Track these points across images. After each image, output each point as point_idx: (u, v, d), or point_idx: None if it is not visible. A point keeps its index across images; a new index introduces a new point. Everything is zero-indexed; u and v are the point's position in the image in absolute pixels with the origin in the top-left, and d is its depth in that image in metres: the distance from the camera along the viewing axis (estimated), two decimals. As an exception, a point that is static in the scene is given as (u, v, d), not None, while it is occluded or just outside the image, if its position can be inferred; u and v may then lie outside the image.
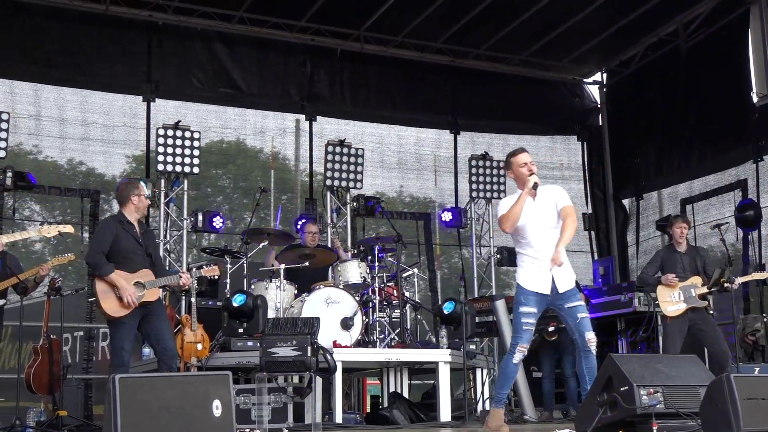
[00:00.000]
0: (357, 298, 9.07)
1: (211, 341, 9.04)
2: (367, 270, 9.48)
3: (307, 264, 9.57)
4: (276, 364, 7.72)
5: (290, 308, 9.10)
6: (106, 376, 10.64)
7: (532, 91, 14.52)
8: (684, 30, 13.14)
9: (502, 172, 13.37)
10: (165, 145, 11.32)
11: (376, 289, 9.37)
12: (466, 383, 9.20)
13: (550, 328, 9.51)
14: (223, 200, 15.35)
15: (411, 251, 12.54)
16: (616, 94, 14.80)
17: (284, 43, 13.11)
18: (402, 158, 14.03)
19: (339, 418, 8.39)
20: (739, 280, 9.26)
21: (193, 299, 8.96)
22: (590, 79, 15.07)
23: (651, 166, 13.94)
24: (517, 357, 6.56)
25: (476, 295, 12.71)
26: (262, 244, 10.10)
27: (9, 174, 10.75)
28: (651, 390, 5.49)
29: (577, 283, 6.98)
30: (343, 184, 12.47)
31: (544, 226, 6.64)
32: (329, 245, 11.97)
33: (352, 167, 12.47)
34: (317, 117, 13.30)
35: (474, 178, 13.31)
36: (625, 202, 14.56)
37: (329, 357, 7.94)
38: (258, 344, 8.13)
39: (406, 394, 9.89)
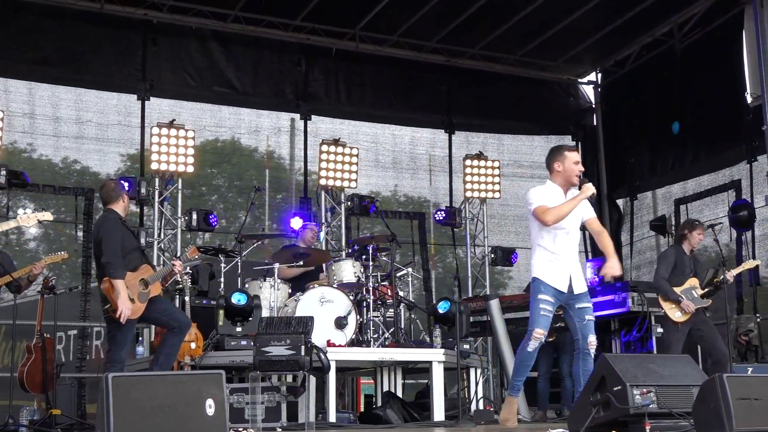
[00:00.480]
0: (351, 298, 9.06)
1: (205, 340, 9.04)
2: (362, 269, 9.48)
3: (301, 263, 9.57)
4: (270, 363, 7.70)
5: (284, 307, 9.09)
6: (100, 374, 10.68)
7: (527, 91, 14.53)
8: (679, 30, 13.16)
9: (497, 171, 13.40)
10: (159, 144, 11.31)
11: (371, 288, 9.36)
12: (459, 383, 9.20)
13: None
14: (218, 199, 15.37)
15: (405, 250, 12.55)
16: (611, 94, 14.82)
17: (279, 42, 13.10)
18: (397, 158, 14.04)
19: (333, 417, 8.38)
20: (733, 272, 9.28)
21: (187, 298, 8.96)
22: (585, 79, 15.09)
23: (645, 166, 13.95)
24: (533, 344, 6.55)
25: (470, 295, 12.72)
26: (256, 243, 10.10)
27: (3, 172, 10.73)
28: (644, 390, 5.50)
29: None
30: (338, 183, 12.47)
31: (569, 228, 6.71)
32: (324, 244, 12.01)
33: (346, 166, 12.47)
34: (312, 116, 13.30)
35: (469, 178, 13.31)
36: (620, 202, 14.57)
37: (323, 356, 7.94)
38: (252, 343, 8.13)
39: (399, 394, 9.89)
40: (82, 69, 12.06)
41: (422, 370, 10.03)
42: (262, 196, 12.38)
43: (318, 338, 8.15)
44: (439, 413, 8.78)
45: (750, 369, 9.55)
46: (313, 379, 8.18)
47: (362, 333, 9.15)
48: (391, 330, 9.45)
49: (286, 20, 12.80)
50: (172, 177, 11.53)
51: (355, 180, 12.54)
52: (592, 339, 6.57)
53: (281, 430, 7.82)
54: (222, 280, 9.47)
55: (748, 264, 9.76)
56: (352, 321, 8.92)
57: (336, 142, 12.49)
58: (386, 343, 9.27)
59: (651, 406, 5.48)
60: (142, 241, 10.38)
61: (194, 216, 11.59)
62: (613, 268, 6.80)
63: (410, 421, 8.85)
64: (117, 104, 12.29)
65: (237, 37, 12.88)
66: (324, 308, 8.84)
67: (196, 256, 8.28)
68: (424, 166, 14.22)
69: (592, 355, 6.58)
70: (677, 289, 8.95)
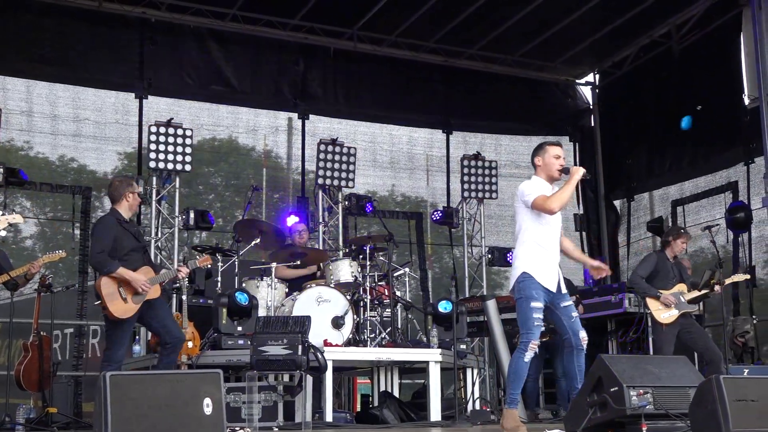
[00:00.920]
0: (348, 297, 9.07)
1: (202, 339, 9.04)
2: (359, 269, 9.49)
3: (298, 263, 9.57)
4: (267, 362, 7.72)
5: (281, 307, 9.10)
6: (96, 373, 10.67)
7: (525, 92, 14.53)
8: (677, 32, 13.17)
9: (494, 172, 13.41)
10: (157, 143, 11.28)
11: (368, 288, 9.37)
12: (456, 383, 9.20)
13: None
14: (215, 198, 15.32)
15: (402, 250, 12.55)
16: (609, 95, 14.82)
17: (277, 41, 13.09)
18: (394, 157, 14.04)
19: (329, 416, 8.39)
20: (727, 281, 9.34)
21: (184, 297, 8.96)
22: (583, 80, 15.09)
23: (642, 168, 13.97)
24: (529, 355, 6.39)
25: (467, 295, 12.72)
26: (253, 242, 10.09)
27: (0, 170, 10.72)
28: (641, 391, 5.51)
29: (569, 282, 7.02)
30: (335, 182, 12.46)
31: (558, 224, 6.67)
32: (321, 243, 12.01)
33: (344, 166, 12.46)
34: (310, 115, 13.29)
35: (466, 178, 13.31)
36: (617, 203, 14.58)
37: (320, 356, 7.95)
38: (249, 342, 8.13)
39: (396, 394, 9.89)
40: (80, 67, 12.05)
41: (419, 370, 10.04)
42: (260, 195, 12.36)
43: (315, 338, 8.15)
44: (435, 413, 8.80)
45: (746, 370, 9.58)
46: (310, 379, 8.18)
47: (359, 333, 9.16)
48: (388, 330, 9.46)
49: (284, 19, 12.80)
50: (170, 175, 11.50)
51: (353, 180, 12.53)
52: (584, 335, 6.52)
53: (278, 430, 7.83)
54: (219, 279, 9.48)
55: (737, 277, 9.78)
56: (349, 321, 8.93)
57: (334, 141, 12.48)
58: (383, 342, 9.28)
59: (648, 407, 5.49)
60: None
61: (191, 215, 11.57)
62: (601, 269, 6.82)
63: (407, 421, 8.86)
64: (115, 102, 12.27)
65: (235, 36, 12.88)
66: (321, 308, 8.85)
67: (208, 264, 8.19)
68: (422, 166, 14.22)
69: (584, 351, 6.55)
70: (665, 293, 8.98)
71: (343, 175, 12.45)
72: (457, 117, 14.21)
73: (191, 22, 12.51)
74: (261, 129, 13.38)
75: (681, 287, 9.10)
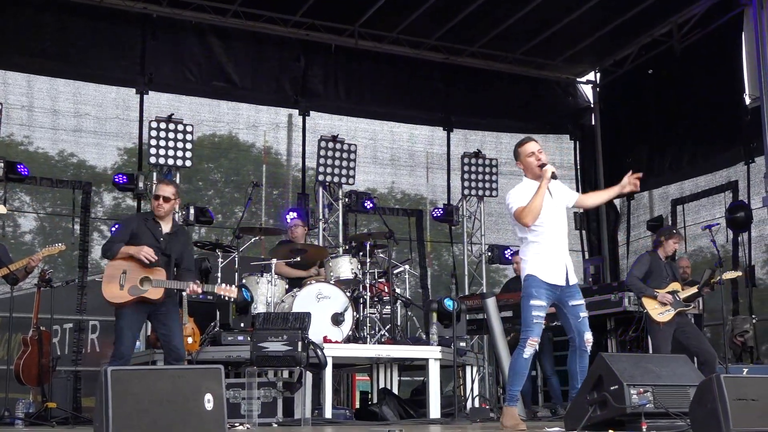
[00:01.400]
0: (348, 294, 9.07)
1: (202, 335, 9.04)
2: (359, 266, 9.49)
3: (298, 259, 9.57)
4: (266, 358, 7.72)
5: (281, 303, 9.10)
6: (96, 368, 10.70)
7: (526, 90, 14.54)
8: (678, 31, 13.17)
9: (494, 169, 13.41)
10: (158, 138, 11.29)
11: (367, 285, 9.37)
12: (456, 380, 9.21)
13: None
14: (215, 194, 15.34)
15: (402, 248, 12.55)
16: (610, 93, 14.83)
17: (278, 37, 13.09)
18: (395, 155, 14.04)
19: (329, 413, 8.39)
20: (725, 276, 9.36)
21: (184, 293, 8.93)
22: (584, 79, 15.10)
23: (643, 166, 13.85)
24: (528, 352, 6.38)
25: (467, 293, 12.72)
26: (253, 239, 10.10)
27: (0, 164, 10.72)
28: (641, 389, 5.51)
29: None
30: (336, 179, 12.46)
31: (558, 217, 6.60)
32: (321, 240, 12.01)
33: (344, 163, 12.46)
34: (310, 112, 13.30)
35: (466, 176, 13.32)
36: (617, 201, 14.57)
37: (320, 352, 7.95)
38: (248, 338, 8.13)
39: (395, 391, 9.90)
40: (80, 62, 12.04)
41: (418, 367, 10.05)
42: (259, 191, 12.35)
43: (314, 334, 8.15)
44: (434, 410, 8.80)
45: (745, 370, 9.59)
46: (309, 375, 8.18)
47: (359, 329, 9.16)
48: (388, 327, 9.46)
49: (285, 16, 12.79)
50: (170, 171, 11.50)
51: (353, 177, 12.53)
52: (589, 336, 6.50)
53: (277, 426, 7.83)
54: (219, 275, 9.47)
55: (730, 274, 9.77)
56: (349, 317, 8.92)
57: (334, 138, 12.48)
58: (383, 339, 9.28)
59: (648, 405, 5.49)
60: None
61: (191, 211, 11.58)
62: (626, 185, 6.80)
63: (406, 418, 8.87)
64: (115, 98, 12.27)
65: (236, 32, 12.87)
66: (321, 304, 8.84)
67: (230, 297, 7.83)
68: (422, 163, 14.22)
69: (588, 352, 6.54)
70: (661, 292, 8.99)
71: (344, 171, 12.45)
72: (457, 114, 14.21)
73: (192, 17, 12.51)
74: (261, 125, 13.38)
75: (675, 286, 9.13)
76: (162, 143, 11.30)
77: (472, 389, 9.75)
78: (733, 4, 11.99)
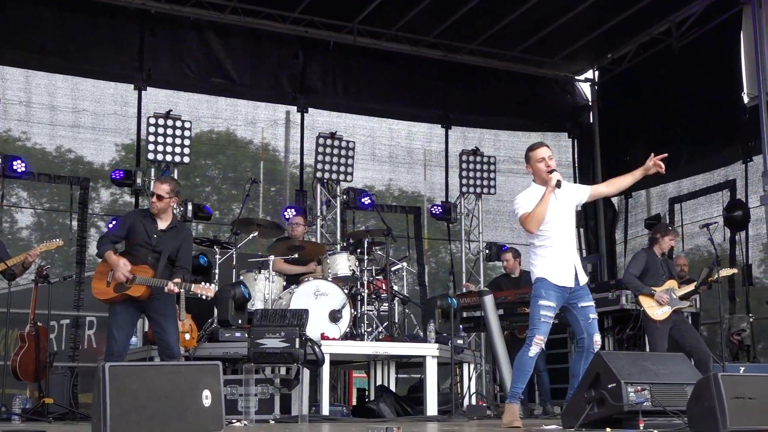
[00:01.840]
0: (345, 291, 9.06)
1: (199, 331, 9.04)
2: (356, 263, 9.49)
3: (296, 256, 9.57)
4: (264, 355, 7.72)
5: (279, 300, 9.10)
6: (93, 364, 10.69)
7: (524, 88, 14.54)
8: (677, 29, 13.17)
9: (492, 167, 13.42)
10: (156, 134, 11.29)
11: (365, 282, 9.37)
12: (453, 378, 9.21)
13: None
14: (212, 191, 15.30)
15: (399, 245, 12.55)
16: (608, 91, 14.83)
17: (277, 34, 13.08)
18: (393, 152, 14.03)
19: (326, 410, 8.40)
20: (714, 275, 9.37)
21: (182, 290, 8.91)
22: (582, 77, 15.10)
23: (640, 165, 13.90)
24: (534, 350, 6.40)
25: (464, 290, 12.71)
26: (251, 235, 10.09)
27: (-1, 160, 10.74)
28: (638, 387, 5.52)
29: None
30: (334, 176, 12.46)
31: (565, 220, 6.61)
32: (319, 237, 12.00)
33: (342, 160, 12.46)
34: (309, 109, 13.29)
35: (464, 173, 13.32)
36: (614, 200, 14.58)
37: (317, 349, 7.95)
38: (246, 335, 8.13)
39: (392, 388, 9.90)
40: (79, 58, 12.02)
41: (415, 364, 10.05)
42: (257, 188, 12.34)
43: (312, 331, 8.16)
44: (432, 408, 8.81)
45: (742, 368, 9.59)
46: (306, 372, 8.18)
47: (356, 327, 9.16)
48: (385, 324, 9.46)
49: (284, 12, 12.78)
50: (168, 167, 11.50)
51: (351, 174, 12.53)
52: (597, 338, 6.51)
53: (274, 423, 7.83)
54: (217, 271, 9.46)
55: (725, 271, 9.78)
56: (347, 314, 8.93)
57: (332, 135, 12.47)
58: (380, 337, 9.28)
59: (645, 403, 5.51)
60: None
61: (189, 207, 11.58)
62: (650, 167, 6.82)
63: (403, 416, 8.87)
64: (114, 94, 12.25)
65: (235, 29, 12.86)
66: (318, 301, 8.85)
67: (206, 295, 7.80)
68: (420, 160, 14.22)
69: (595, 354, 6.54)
70: (657, 290, 9.00)
71: (342, 168, 12.45)
72: (456, 112, 14.20)
73: (191, 13, 12.49)
74: (259, 122, 13.36)
75: (671, 284, 9.14)
76: (160, 139, 11.30)
77: (469, 387, 9.75)
78: (731, 3, 11.99)
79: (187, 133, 11.43)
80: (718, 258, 9.78)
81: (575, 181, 14.70)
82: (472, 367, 9.97)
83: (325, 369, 8.36)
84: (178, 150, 11.37)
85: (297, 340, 7.66)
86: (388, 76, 13.83)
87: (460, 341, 9.38)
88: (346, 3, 12.63)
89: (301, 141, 13.19)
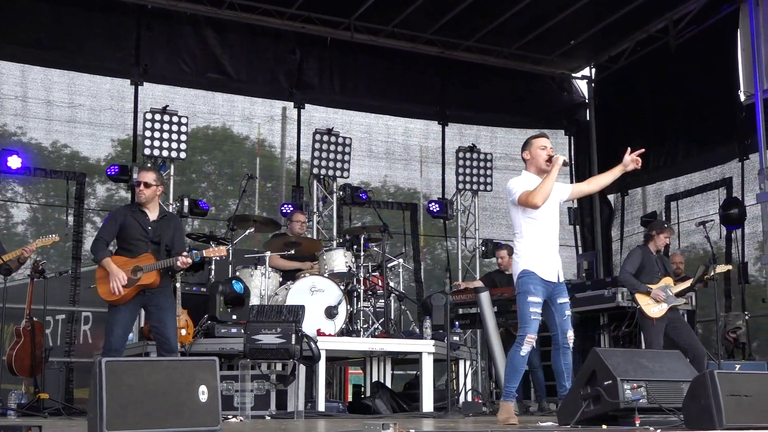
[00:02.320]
0: (342, 287, 9.06)
1: (195, 327, 9.03)
2: (353, 259, 9.49)
3: (292, 252, 9.56)
4: (260, 351, 7.72)
5: (275, 296, 9.09)
6: (88, 359, 10.69)
7: (521, 85, 14.54)
8: (674, 27, 13.17)
9: (489, 164, 13.42)
10: (152, 130, 11.27)
11: (361, 278, 9.37)
12: (449, 374, 9.21)
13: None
14: (208, 186, 15.30)
15: (395, 241, 12.55)
16: (605, 89, 14.83)
17: (274, 30, 13.06)
18: (390, 148, 14.02)
19: (321, 406, 8.40)
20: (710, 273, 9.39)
21: (177, 284, 8.93)
22: (579, 74, 15.09)
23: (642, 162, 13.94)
24: (526, 349, 6.35)
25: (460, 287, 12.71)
26: (247, 231, 10.08)
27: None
28: (634, 384, 5.52)
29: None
30: (330, 172, 12.46)
31: (551, 213, 6.58)
32: (315, 233, 12.00)
33: (339, 156, 12.45)
34: (306, 105, 13.28)
35: (461, 170, 13.33)
36: (611, 197, 14.60)
37: (313, 345, 7.94)
38: (242, 331, 8.12)
39: (388, 384, 9.91)
40: (75, 53, 12.00)
41: (411, 361, 10.05)
42: (253, 184, 12.32)
43: (308, 327, 8.15)
44: (427, 404, 8.81)
45: (737, 366, 9.61)
46: (302, 368, 8.18)
47: (352, 323, 9.17)
48: (381, 320, 9.47)
49: (281, 8, 12.76)
50: (164, 163, 11.49)
51: (348, 170, 12.52)
52: (570, 334, 6.49)
53: (270, 419, 7.83)
54: (213, 267, 9.45)
55: (720, 268, 9.80)
56: (343, 311, 8.93)
57: (329, 131, 12.47)
58: (376, 333, 9.29)
59: (641, 400, 5.51)
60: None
61: (185, 202, 11.57)
62: (628, 163, 6.68)
63: (399, 412, 8.88)
64: (110, 89, 12.22)
65: (232, 24, 12.83)
66: (314, 297, 8.85)
67: (220, 256, 7.99)
68: (417, 157, 14.21)
69: (571, 348, 6.54)
70: (653, 287, 9.01)
71: (338, 165, 12.45)
72: (453, 109, 14.20)
73: (187, 9, 12.47)
74: (256, 118, 13.35)
75: (667, 281, 9.15)
76: (156, 135, 11.29)
77: (464, 383, 9.76)
78: (728, 1, 12.01)
79: (183, 129, 11.41)
80: (714, 256, 9.79)
81: (571, 179, 14.71)
82: (467, 363, 9.98)
83: (321, 365, 8.36)
84: (174, 145, 11.36)
85: (293, 336, 7.66)
86: (385, 72, 13.82)
87: (455, 338, 9.38)
88: (343, -1, 12.63)
89: (298, 137, 13.18)
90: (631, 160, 6.70)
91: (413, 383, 10.02)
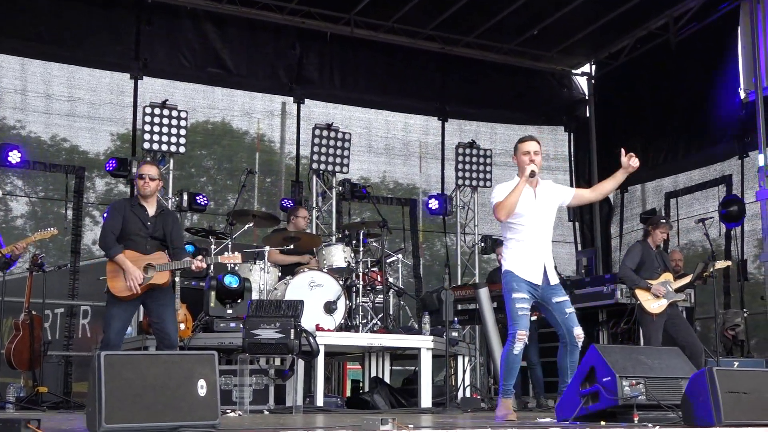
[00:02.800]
0: (341, 283, 9.06)
1: (194, 321, 9.02)
2: (352, 254, 9.48)
3: (291, 247, 9.55)
4: (259, 345, 7.71)
5: (274, 291, 9.09)
6: (87, 353, 10.69)
7: (521, 81, 14.54)
8: (674, 24, 13.16)
9: (488, 160, 13.42)
10: (152, 124, 11.26)
11: (360, 273, 9.36)
12: (447, 370, 9.22)
13: None
14: (207, 181, 15.29)
15: (394, 237, 12.54)
16: (605, 86, 14.82)
17: (274, 24, 13.04)
18: (389, 144, 14.02)
19: (320, 401, 8.39)
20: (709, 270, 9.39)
21: (176, 279, 8.92)
22: (579, 71, 15.09)
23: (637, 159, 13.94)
24: (518, 346, 6.37)
25: (459, 283, 12.73)
26: (247, 226, 10.07)
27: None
28: (633, 381, 5.52)
29: (561, 277, 6.99)
30: (330, 168, 12.44)
31: (541, 218, 6.57)
32: (315, 229, 11.99)
33: (338, 151, 12.44)
34: (305, 100, 13.28)
35: (460, 166, 13.32)
36: (610, 194, 14.58)
37: (312, 340, 7.94)
38: (241, 325, 8.12)
39: (387, 380, 9.91)
40: (75, 46, 11.98)
41: (410, 356, 10.05)
42: (252, 178, 12.32)
43: (307, 322, 8.15)
44: (426, 400, 8.81)
45: (736, 363, 9.61)
46: (301, 363, 8.18)
47: (351, 318, 9.17)
48: (380, 316, 9.46)
49: (281, 3, 12.75)
50: (164, 157, 11.48)
51: (347, 165, 12.51)
52: (579, 332, 6.48)
53: (268, 413, 7.83)
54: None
55: (719, 264, 9.80)
56: (342, 306, 8.93)
57: (329, 126, 12.46)
58: (375, 328, 9.29)
59: (640, 397, 5.50)
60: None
61: (185, 197, 11.56)
62: (627, 167, 6.67)
63: (397, 407, 8.88)
64: (110, 83, 12.21)
65: (232, 19, 12.83)
66: (313, 292, 8.84)
67: (235, 263, 7.96)
68: (416, 152, 14.21)
69: (579, 347, 6.53)
70: (653, 282, 9.01)
71: (338, 160, 12.44)
72: (452, 104, 14.20)
73: (187, 3, 12.47)
74: (255, 113, 13.34)
75: (667, 276, 9.15)
76: (156, 129, 11.27)
77: (463, 379, 9.76)
78: (729, -2, 12.02)
79: (183, 123, 11.40)
80: (713, 253, 9.80)
81: (571, 175, 14.74)
82: (466, 359, 9.98)
83: (320, 360, 8.35)
84: (173, 140, 11.34)
85: (292, 331, 7.65)
86: (385, 67, 13.82)
87: (454, 333, 9.38)
88: (343, -6, 12.62)
89: (297, 132, 13.17)
90: (628, 165, 6.70)
91: (412, 379, 10.03)
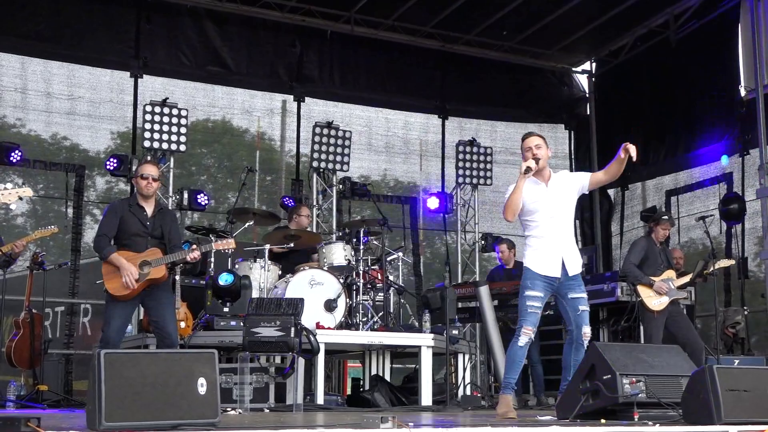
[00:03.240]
0: (341, 281, 9.06)
1: (194, 319, 9.02)
2: (352, 253, 9.48)
3: (292, 245, 9.55)
4: (259, 344, 7.71)
5: (274, 289, 9.09)
6: (87, 351, 10.69)
7: (521, 79, 14.53)
8: (674, 22, 13.15)
9: (489, 158, 13.42)
10: (152, 122, 11.26)
11: (361, 271, 9.36)
12: (448, 368, 9.22)
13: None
14: (207, 179, 15.29)
15: (395, 235, 12.54)
16: (605, 83, 14.82)
17: (274, 23, 13.03)
18: (389, 142, 14.01)
19: (320, 399, 8.40)
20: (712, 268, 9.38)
21: (177, 277, 8.92)
22: (579, 68, 15.08)
23: (637, 157, 13.91)
24: (523, 340, 6.43)
25: (460, 281, 12.73)
26: (247, 224, 10.07)
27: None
28: (633, 379, 5.52)
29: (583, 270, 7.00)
30: (330, 166, 12.45)
31: (556, 211, 6.58)
32: (315, 227, 11.99)
33: (339, 149, 12.45)
34: (305, 98, 13.27)
35: (461, 164, 13.32)
36: (610, 192, 14.60)
37: (312, 338, 7.94)
38: (241, 324, 8.12)
39: (387, 378, 9.91)
40: (75, 45, 11.97)
41: (410, 354, 10.05)
42: (252, 177, 12.32)
43: (307, 320, 8.14)
44: (426, 398, 8.81)
45: (737, 361, 9.62)
46: (301, 361, 8.18)
47: (351, 316, 9.16)
48: (381, 314, 9.46)
49: (281, 1, 12.74)
50: (164, 155, 11.48)
51: (347, 163, 12.52)
52: (587, 330, 6.51)
53: (269, 411, 7.83)
54: (212, 260, 9.44)
55: (723, 263, 9.80)
56: (342, 304, 8.92)
57: (329, 124, 12.46)
58: (375, 326, 9.28)
59: (640, 395, 5.51)
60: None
61: (185, 195, 11.56)
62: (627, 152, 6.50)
63: (398, 405, 8.88)
64: (110, 81, 12.21)
65: (232, 17, 12.81)
66: (314, 290, 8.84)
67: (229, 249, 7.99)
68: (416, 150, 14.20)
69: (585, 346, 6.54)
70: (656, 279, 9.00)
71: (338, 158, 12.45)
72: (453, 102, 14.19)
73: (188, 1, 12.47)
74: (256, 111, 13.33)
75: (670, 273, 9.13)
76: (156, 127, 11.29)
77: (463, 377, 9.76)
78: (729, -4, 12.00)
79: (183, 122, 11.41)
80: (713, 251, 9.79)
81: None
82: (466, 357, 9.97)
83: (320, 358, 8.35)
84: (174, 138, 11.35)
85: (292, 329, 7.64)
86: (385, 65, 13.81)
87: (455, 331, 9.38)
88: (343, -8, 12.61)
89: (298, 130, 13.17)
90: (627, 153, 6.61)
91: (412, 377, 10.02)
